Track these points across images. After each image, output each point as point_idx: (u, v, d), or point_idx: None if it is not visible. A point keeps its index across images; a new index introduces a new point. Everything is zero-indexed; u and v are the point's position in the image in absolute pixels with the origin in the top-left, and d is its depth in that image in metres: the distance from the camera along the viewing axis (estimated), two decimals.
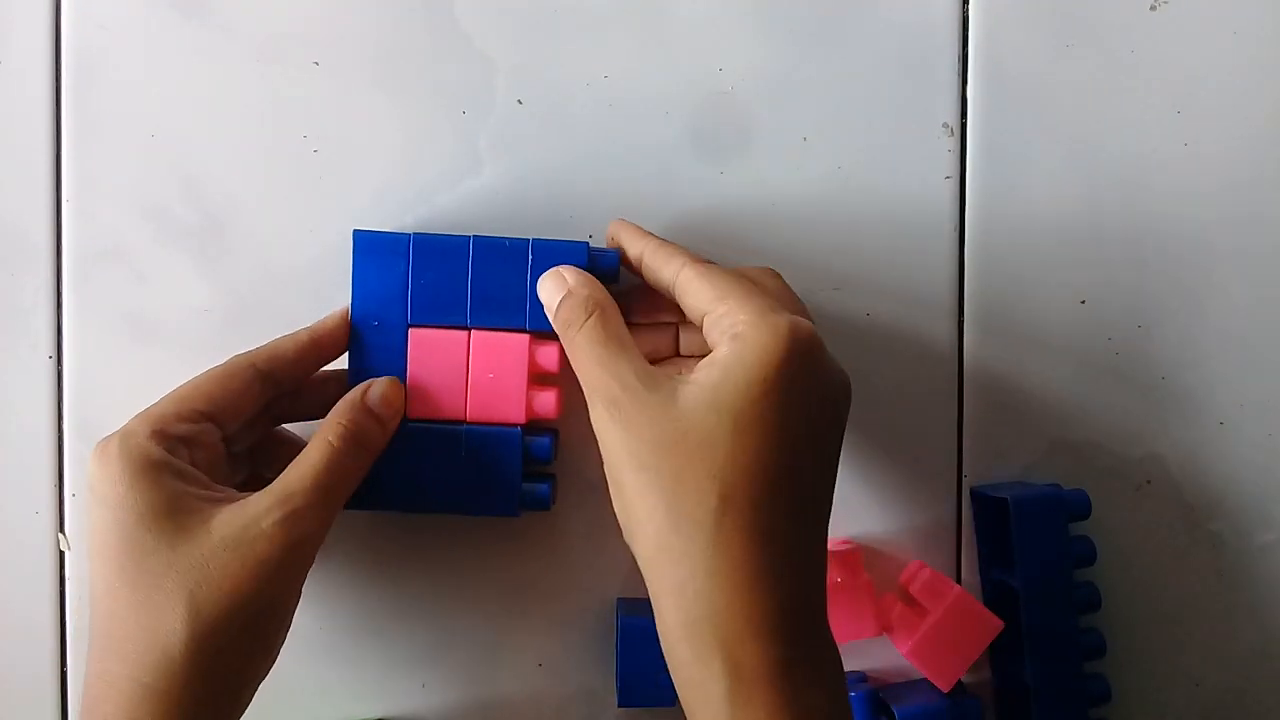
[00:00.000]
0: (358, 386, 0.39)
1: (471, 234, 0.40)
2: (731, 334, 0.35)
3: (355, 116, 0.44)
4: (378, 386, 0.39)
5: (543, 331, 0.40)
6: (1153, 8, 0.44)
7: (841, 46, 0.44)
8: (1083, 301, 0.44)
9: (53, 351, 0.44)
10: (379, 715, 0.44)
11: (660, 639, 0.34)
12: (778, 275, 0.40)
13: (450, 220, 0.43)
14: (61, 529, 0.44)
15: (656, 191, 0.44)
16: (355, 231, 0.40)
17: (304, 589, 0.37)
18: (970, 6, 0.44)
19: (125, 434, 0.36)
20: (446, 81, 0.43)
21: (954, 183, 0.44)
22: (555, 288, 0.39)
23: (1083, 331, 0.44)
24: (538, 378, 0.41)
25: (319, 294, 0.43)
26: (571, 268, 0.39)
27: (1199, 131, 0.44)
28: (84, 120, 0.43)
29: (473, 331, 0.40)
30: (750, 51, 0.44)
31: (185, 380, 0.38)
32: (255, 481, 0.38)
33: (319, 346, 0.40)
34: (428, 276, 0.40)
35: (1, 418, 0.44)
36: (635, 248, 0.40)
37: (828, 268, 0.44)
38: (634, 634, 0.41)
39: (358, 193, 0.43)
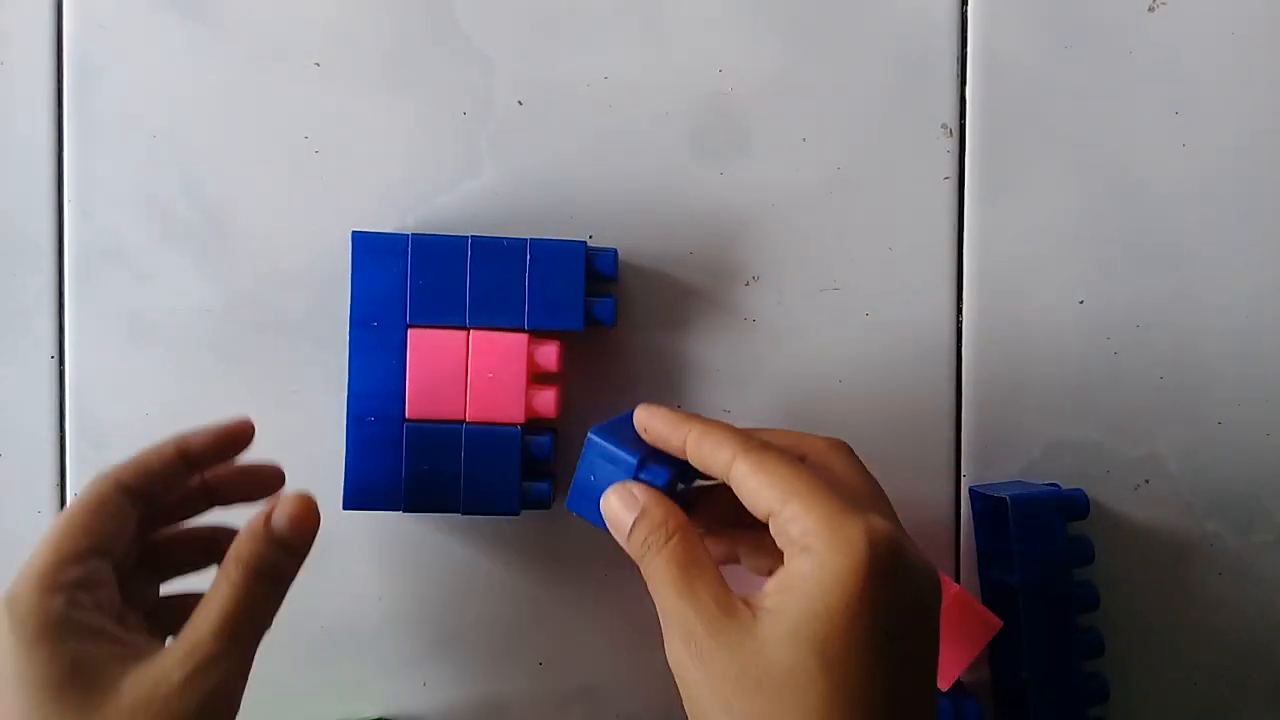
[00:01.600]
0: (261, 511, 0.35)
1: (470, 234, 0.40)
2: (802, 545, 0.31)
3: (355, 116, 0.44)
4: (283, 508, 0.35)
5: (542, 331, 0.40)
6: (1151, 8, 0.44)
7: (841, 47, 0.44)
8: (1081, 301, 0.44)
9: (54, 351, 0.44)
10: (379, 715, 0.44)
11: None
12: (845, 448, 0.37)
13: (450, 220, 0.43)
14: None
15: (656, 191, 0.44)
16: (354, 232, 0.40)
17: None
18: (969, 6, 0.44)
19: (12, 598, 0.32)
20: (446, 81, 0.44)
21: (953, 183, 0.44)
22: (627, 506, 0.35)
23: (1081, 331, 0.44)
24: (536, 377, 0.41)
25: (319, 294, 0.43)
26: (642, 486, 0.35)
27: (1198, 131, 0.44)
28: (85, 120, 0.44)
29: (472, 331, 0.40)
30: (750, 52, 0.44)
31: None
32: (165, 611, 0.36)
33: (187, 457, 0.37)
34: (426, 277, 0.40)
35: (3, 417, 0.44)
36: (677, 437, 0.36)
37: (828, 268, 0.44)
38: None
39: (358, 193, 0.44)
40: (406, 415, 0.40)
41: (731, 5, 0.44)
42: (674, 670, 0.32)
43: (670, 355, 0.44)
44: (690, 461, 0.36)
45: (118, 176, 0.43)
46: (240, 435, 0.38)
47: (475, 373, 0.40)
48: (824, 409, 0.44)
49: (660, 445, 0.36)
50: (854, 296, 0.44)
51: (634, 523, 0.35)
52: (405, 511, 0.41)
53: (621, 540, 0.35)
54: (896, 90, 0.44)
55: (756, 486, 0.33)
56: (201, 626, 0.33)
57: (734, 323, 0.44)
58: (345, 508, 0.40)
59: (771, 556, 0.36)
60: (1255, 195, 0.44)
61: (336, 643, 0.44)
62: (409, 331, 0.40)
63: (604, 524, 0.36)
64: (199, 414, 0.43)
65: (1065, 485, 0.44)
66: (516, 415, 0.40)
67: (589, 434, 0.36)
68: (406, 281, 0.40)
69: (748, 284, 0.44)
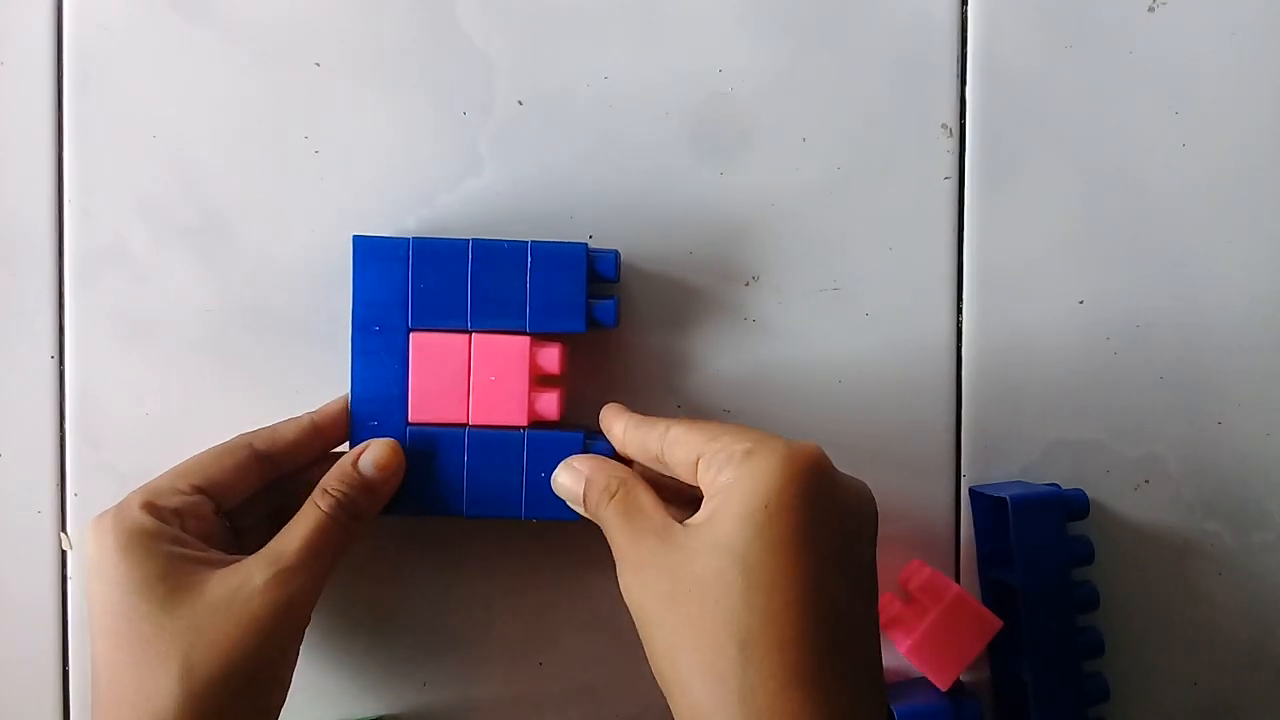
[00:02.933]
0: (353, 450, 0.39)
1: (470, 236, 0.40)
2: (729, 464, 0.33)
3: (355, 116, 0.44)
4: (371, 451, 0.39)
5: (544, 334, 0.40)
6: (1151, 8, 0.44)
7: (841, 47, 0.44)
8: (1081, 301, 0.44)
9: (54, 352, 0.44)
10: (379, 715, 0.44)
11: None
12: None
13: (450, 221, 0.43)
14: (63, 528, 0.44)
15: (656, 191, 0.44)
16: (355, 237, 0.40)
17: None
18: (969, 6, 0.44)
19: (119, 508, 0.36)
20: (446, 81, 0.44)
21: (953, 183, 0.44)
22: (573, 479, 0.38)
23: (1081, 331, 0.44)
24: (539, 379, 0.41)
25: (319, 294, 0.43)
26: (581, 456, 0.39)
27: (1198, 131, 0.44)
28: (85, 121, 0.43)
29: (474, 335, 0.40)
30: (750, 51, 0.44)
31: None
32: None
33: (320, 432, 0.40)
34: (428, 280, 0.40)
35: (3, 418, 0.44)
36: (618, 426, 0.39)
37: (828, 268, 0.44)
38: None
39: (358, 193, 0.44)
40: (409, 419, 0.40)
41: (731, 5, 0.44)
42: (627, 604, 0.34)
43: (670, 356, 0.44)
44: (628, 451, 0.39)
45: (118, 176, 0.43)
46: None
47: (478, 376, 0.40)
48: (824, 409, 0.44)
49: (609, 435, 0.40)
50: (854, 296, 0.44)
51: (583, 490, 0.38)
52: (410, 515, 0.41)
53: (581, 511, 0.38)
54: (897, 90, 0.44)
55: (689, 437, 0.35)
56: (287, 542, 0.36)
57: (734, 323, 0.44)
58: None
59: None
60: (1256, 195, 0.44)
61: (336, 643, 0.44)
62: (411, 335, 0.40)
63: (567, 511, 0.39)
64: (198, 414, 0.43)
65: (1065, 485, 0.44)
66: (519, 418, 0.40)
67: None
68: (408, 285, 0.40)
69: (748, 284, 0.44)
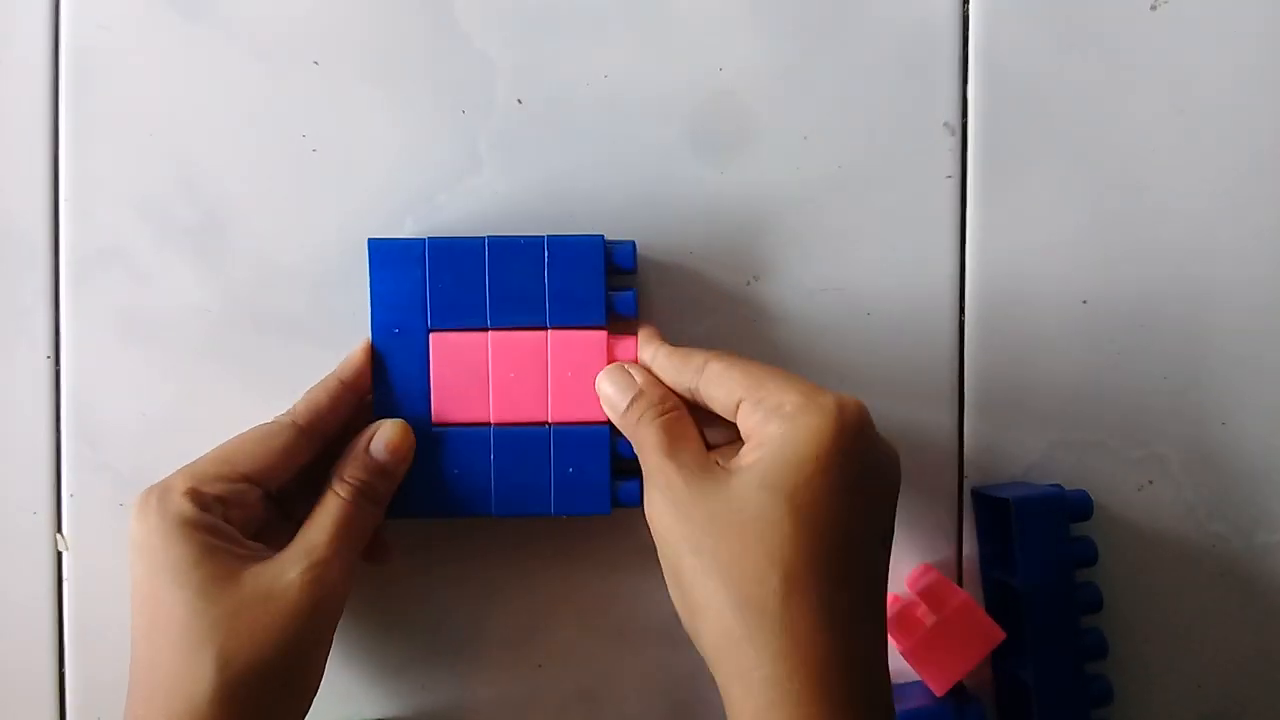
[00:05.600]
0: (362, 434, 0.39)
1: (480, 234, 0.40)
2: (776, 413, 0.35)
3: (355, 116, 0.43)
4: (381, 434, 0.39)
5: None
6: (1153, 8, 0.44)
7: (842, 46, 0.44)
8: (1084, 301, 0.44)
9: (51, 351, 0.44)
10: (379, 715, 0.44)
11: None
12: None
13: (450, 220, 0.43)
14: (59, 529, 0.44)
15: (656, 191, 0.44)
16: (370, 240, 0.40)
17: None
18: (970, 6, 0.44)
19: (163, 489, 0.36)
20: (446, 81, 0.43)
21: (954, 183, 0.44)
22: (625, 385, 0.39)
23: (1084, 331, 0.44)
24: None
25: (318, 294, 0.43)
26: (633, 366, 0.40)
27: (1201, 130, 0.44)
28: (83, 120, 0.43)
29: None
30: (750, 51, 0.44)
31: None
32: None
33: (352, 388, 0.40)
34: (445, 280, 0.40)
35: (0, 418, 0.44)
36: (646, 352, 0.40)
37: (828, 268, 0.44)
38: None
39: (358, 193, 0.43)
40: (433, 420, 0.40)
41: (732, 4, 0.44)
42: (650, 520, 0.36)
43: None
44: (660, 376, 0.39)
45: (115, 176, 0.43)
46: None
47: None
48: None
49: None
50: (854, 296, 0.44)
51: (631, 400, 0.38)
52: (437, 516, 0.41)
53: (615, 417, 0.39)
54: (898, 89, 0.44)
55: (729, 378, 0.36)
56: (315, 534, 0.37)
57: (734, 322, 0.44)
58: (406, 515, 0.40)
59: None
60: (1258, 194, 0.44)
61: (337, 643, 0.43)
62: (431, 336, 0.40)
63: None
64: (197, 414, 0.43)
65: (1068, 486, 0.44)
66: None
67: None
68: (425, 286, 0.40)
69: (748, 284, 0.44)
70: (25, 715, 0.43)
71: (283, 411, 0.39)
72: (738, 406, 0.36)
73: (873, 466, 0.35)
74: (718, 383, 0.37)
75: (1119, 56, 0.44)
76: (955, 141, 0.44)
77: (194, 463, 0.38)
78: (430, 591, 0.44)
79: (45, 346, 0.44)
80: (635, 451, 0.38)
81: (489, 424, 0.40)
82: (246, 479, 0.37)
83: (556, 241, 0.40)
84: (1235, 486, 0.45)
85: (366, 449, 0.39)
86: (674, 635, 0.44)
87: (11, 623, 0.43)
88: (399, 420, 0.39)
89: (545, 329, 0.40)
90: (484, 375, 0.40)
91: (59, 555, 0.44)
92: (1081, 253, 0.44)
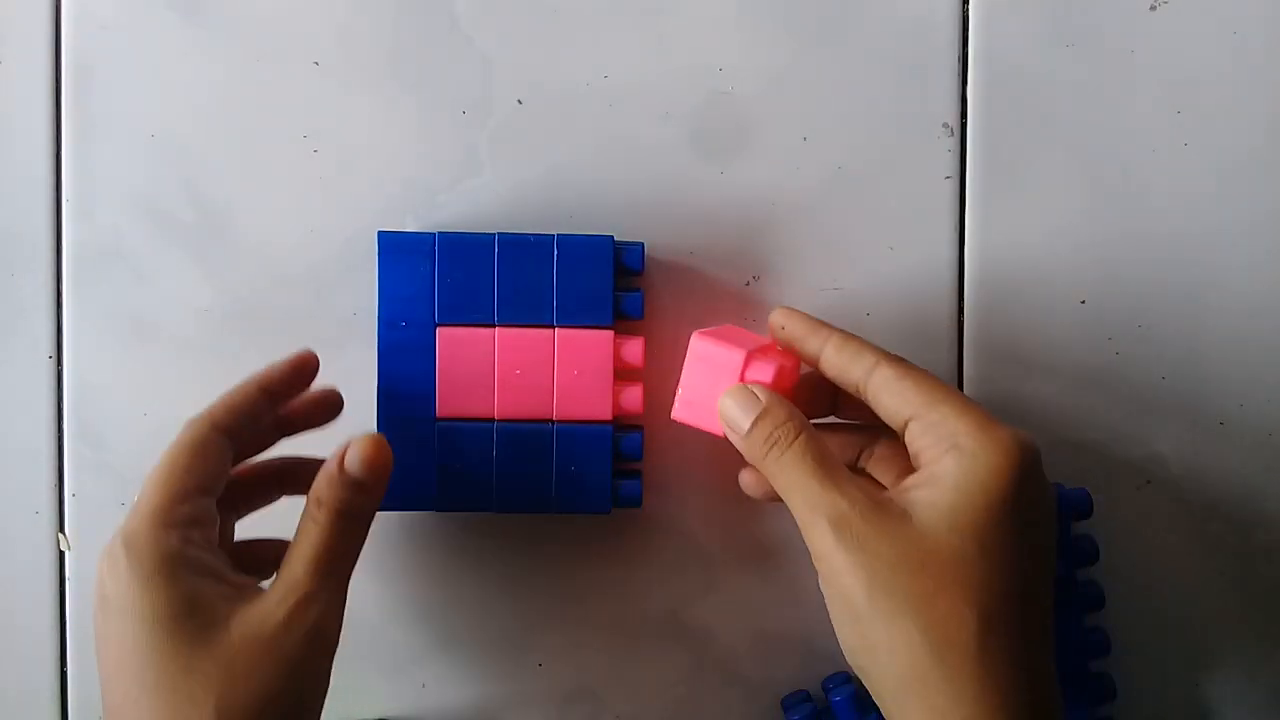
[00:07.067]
0: (336, 452, 0.36)
1: (494, 232, 0.40)
2: (951, 445, 0.34)
3: (355, 116, 0.43)
4: (355, 449, 0.36)
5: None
6: (1153, 8, 0.44)
7: (841, 46, 0.44)
8: (1083, 301, 0.44)
9: (52, 352, 0.44)
10: (379, 715, 0.44)
11: None
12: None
13: (450, 221, 0.43)
14: (61, 529, 0.44)
15: (657, 191, 0.44)
16: (380, 233, 0.40)
17: None
18: (970, 6, 0.44)
19: (130, 534, 0.34)
20: (446, 81, 0.43)
21: (954, 183, 0.44)
22: (746, 406, 0.36)
23: (1083, 331, 0.44)
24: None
25: (319, 294, 0.43)
26: (762, 386, 0.37)
27: (1199, 131, 0.44)
28: (84, 120, 0.43)
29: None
30: (750, 51, 0.44)
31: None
32: (245, 554, 0.39)
33: (268, 392, 0.38)
34: (454, 275, 0.40)
35: (1, 418, 0.44)
36: (815, 342, 0.38)
37: (828, 268, 0.44)
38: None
39: (358, 192, 0.43)
40: (437, 414, 0.40)
41: (732, 4, 0.44)
42: (822, 559, 0.34)
43: (669, 356, 0.44)
44: (822, 366, 0.38)
45: (116, 176, 0.43)
46: (308, 365, 0.39)
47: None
48: None
49: (795, 346, 0.38)
50: (854, 296, 0.44)
51: (755, 420, 0.36)
52: (439, 511, 0.41)
53: (737, 439, 0.37)
54: (897, 89, 0.44)
55: (901, 390, 0.35)
56: (296, 567, 0.34)
57: (734, 322, 0.44)
58: (413, 509, 0.41)
59: (893, 464, 0.39)
60: (1258, 194, 0.44)
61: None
62: (438, 330, 0.40)
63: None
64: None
65: (1068, 485, 0.44)
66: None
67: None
68: (434, 281, 0.40)
69: (748, 284, 0.44)
70: (27, 715, 0.44)
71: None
72: (906, 423, 0.35)
73: (1046, 507, 0.35)
74: (889, 391, 0.36)
75: (1119, 57, 0.44)
76: (954, 142, 0.44)
77: (137, 503, 0.35)
78: (430, 590, 0.44)
79: (47, 346, 0.44)
80: (765, 474, 0.36)
81: (493, 420, 0.40)
82: (200, 492, 0.35)
83: (566, 240, 0.40)
84: (1234, 486, 0.45)
85: (341, 466, 0.35)
86: (673, 634, 0.44)
87: (13, 623, 0.44)
88: (373, 434, 0.36)
89: (552, 327, 0.40)
90: (489, 371, 0.40)
91: (61, 555, 0.44)
92: (1080, 252, 0.44)
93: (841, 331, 0.38)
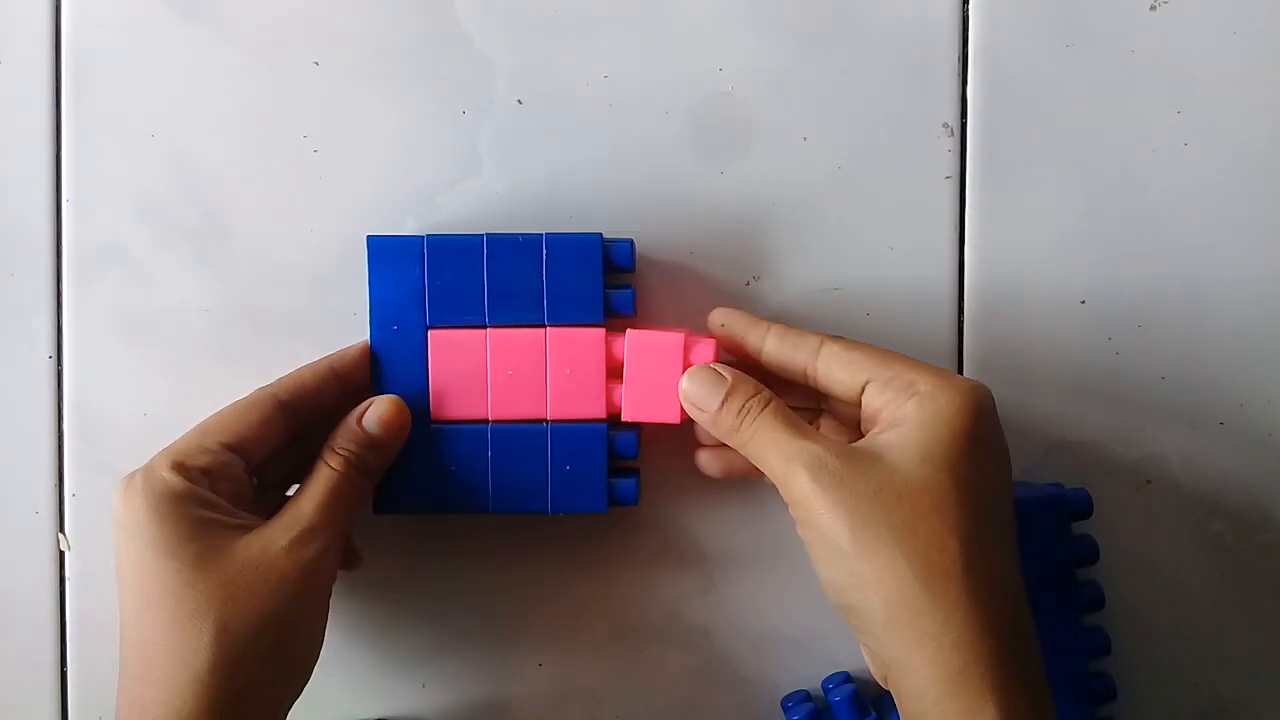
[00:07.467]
0: (356, 409, 0.39)
1: (480, 234, 0.40)
2: (911, 393, 0.36)
3: (355, 116, 0.43)
4: (375, 409, 0.39)
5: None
6: (1153, 8, 0.44)
7: (841, 46, 0.44)
8: (1083, 301, 0.44)
9: (52, 351, 0.44)
10: (379, 715, 0.44)
11: (908, 701, 0.34)
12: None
13: (450, 221, 0.43)
14: (61, 529, 0.44)
15: (657, 191, 0.44)
16: (369, 237, 0.40)
17: None
18: (970, 6, 0.44)
19: (148, 469, 0.36)
20: (446, 81, 0.43)
21: (954, 183, 0.44)
22: (713, 384, 0.38)
23: (1083, 331, 0.44)
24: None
25: (319, 294, 0.43)
26: (718, 364, 0.39)
27: (1199, 131, 0.44)
28: (84, 120, 0.43)
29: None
30: (750, 51, 0.44)
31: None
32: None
33: (340, 377, 0.40)
34: (444, 277, 0.40)
35: (1, 418, 0.44)
36: (756, 334, 0.40)
37: (828, 268, 0.44)
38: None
39: (358, 193, 0.43)
40: (431, 417, 0.40)
41: (732, 5, 0.44)
42: (800, 503, 0.35)
43: None
44: (766, 356, 0.39)
45: (116, 176, 0.43)
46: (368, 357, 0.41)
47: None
48: None
49: (736, 341, 0.40)
50: (854, 296, 0.44)
51: (725, 397, 0.37)
52: (434, 513, 0.41)
53: (706, 418, 0.38)
54: (897, 89, 0.44)
55: (852, 359, 0.37)
56: (305, 504, 0.37)
57: None
58: (376, 511, 0.41)
59: (841, 434, 0.40)
60: (1258, 194, 0.44)
61: (336, 643, 0.43)
62: (429, 333, 0.40)
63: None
64: (196, 414, 0.43)
65: (1068, 485, 0.44)
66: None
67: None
68: (424, 283, 0.40)
69: (748, 284, 0.44)
70: (27, 714, 0.44)
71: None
72: (863, 388, 0.37)
73: (1002, 445, 0.37)
74: (839, 364, 0.37)
75: (1118, 57, 0.44)
76: (954, 142, 0.44)
77: (175, 441, 0.37)
78: (431, 591, 0.44)
79: (47, 346, 0.44)
80: (739, 449, 0.37)
81: (487, 421, 0.40)
82: (228, 448, 0.37)
83: (554, 239, 0.40)
84: (1234, 486, 0.45)
85: (359, 422, 0.38)
86: (673, 634, 0.44)
87: (14, 622, 0.44)
88: (393, 396, 0.39)
89: (543, 326, 0.40)
90: (482, 372, 0.40)
91: (61, 555, 0.44)
92: (1080, 252, 0.44)
93: (780, 323, 0.39)
